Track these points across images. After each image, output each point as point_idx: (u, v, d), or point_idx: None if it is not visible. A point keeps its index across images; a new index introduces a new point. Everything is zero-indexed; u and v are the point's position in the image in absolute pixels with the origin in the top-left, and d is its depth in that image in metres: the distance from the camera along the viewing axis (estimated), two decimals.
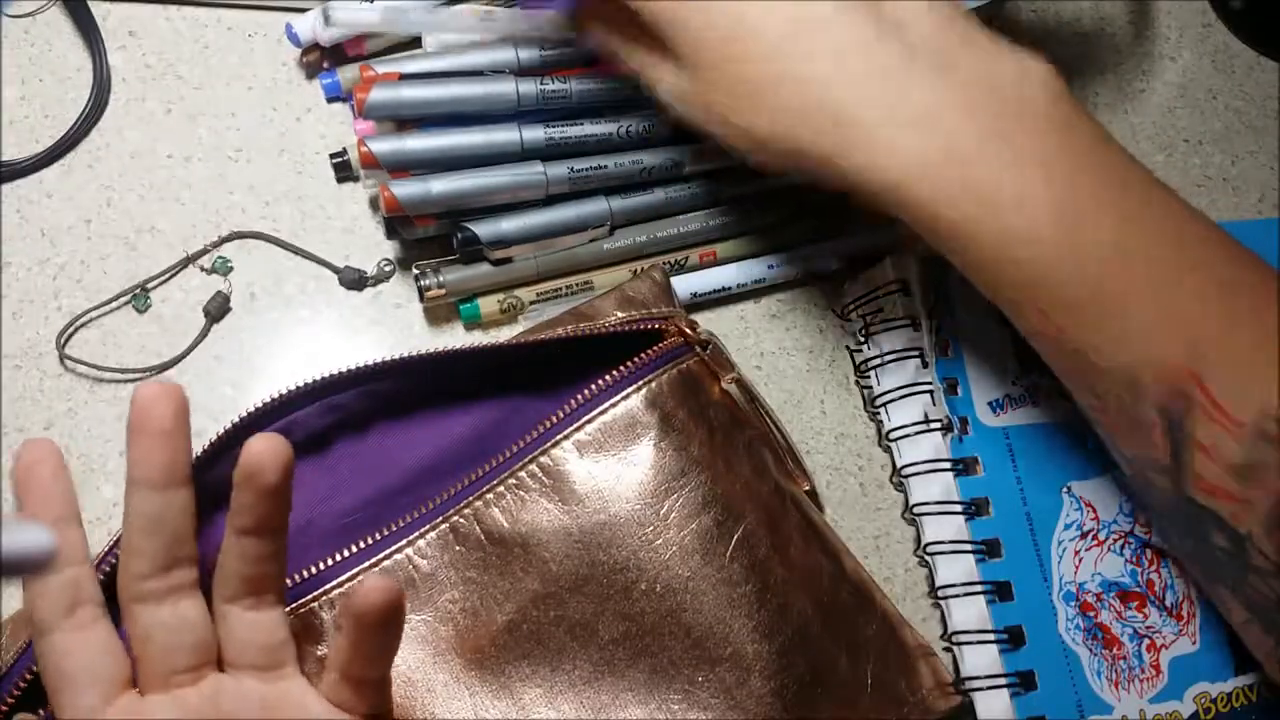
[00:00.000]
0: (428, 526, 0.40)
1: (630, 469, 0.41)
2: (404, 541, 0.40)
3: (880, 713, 0.43)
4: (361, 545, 0.40)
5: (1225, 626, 0.46)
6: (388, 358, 0.41)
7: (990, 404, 0.49)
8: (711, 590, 0.40)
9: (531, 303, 0.49)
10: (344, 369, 0.41)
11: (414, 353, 0.42)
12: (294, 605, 0.39)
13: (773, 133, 0.39)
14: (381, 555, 0.40)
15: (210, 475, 0.41)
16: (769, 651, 0.41)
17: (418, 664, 0.39)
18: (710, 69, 0.40)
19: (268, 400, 0.40)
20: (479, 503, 0.41)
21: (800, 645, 0.41)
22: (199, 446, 0.46)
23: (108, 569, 0.38)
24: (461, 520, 0.40)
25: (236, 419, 0.40)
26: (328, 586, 0.39)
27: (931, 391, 0.48)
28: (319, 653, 0.39)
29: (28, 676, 0.35)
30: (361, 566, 0.40)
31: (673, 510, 0.41)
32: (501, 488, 0.41)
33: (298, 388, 0.40)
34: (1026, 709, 0.45)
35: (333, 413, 0.44)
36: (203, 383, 0.48)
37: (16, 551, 0.24)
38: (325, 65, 0.53)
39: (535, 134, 0.48)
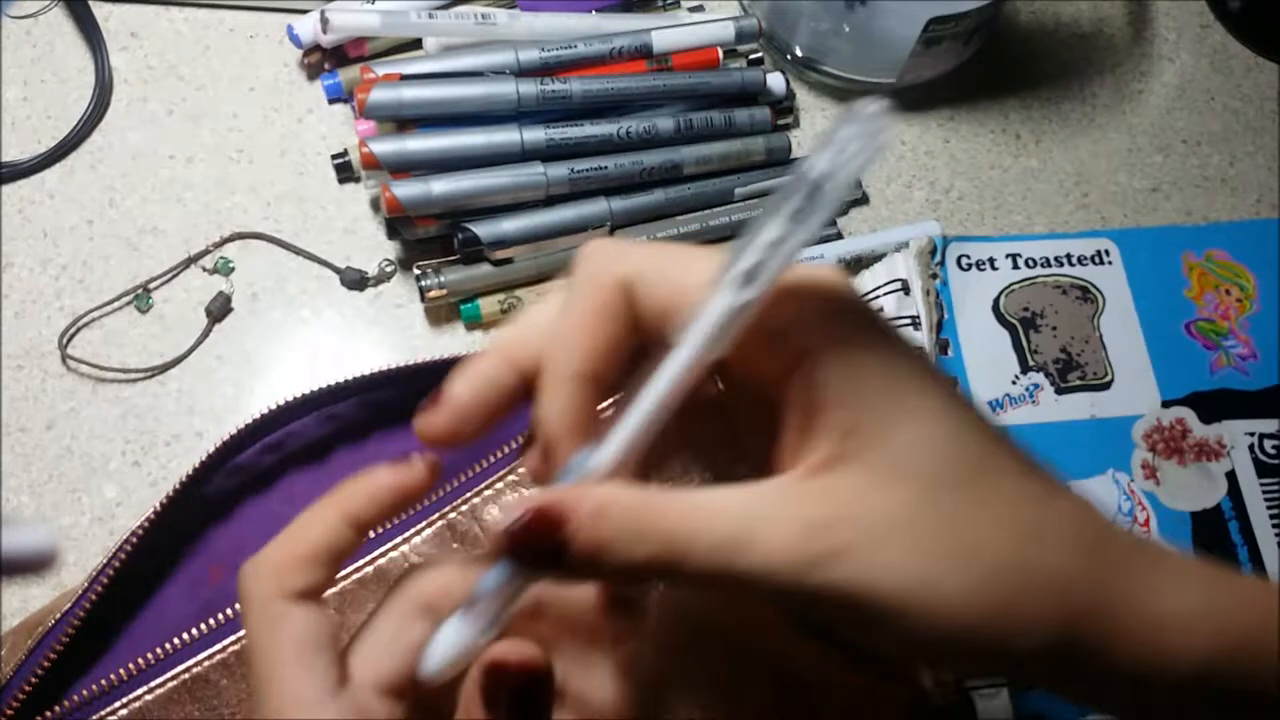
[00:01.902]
0: (424, 524, 0.40)
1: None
2: (399, 539, 0.40)
3: (879, 712, 0.43)
4: None
5: None
6: (385, 368, 0.41)
7: (990, 403, 0.49)
8: None
9: (531, 303, 0.49)
10: (342, 379, 0.41)
11: (411, 362, 0.42)
12: None
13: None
14: (377, 554, 0.40)
15: (206, 488, 0.41)
16: (769, 648, 0.40)
17: None
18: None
19: (266, 411, 0.40)
20: (476, 499, 0.41)
21: (799, 642, 0.41)
22: (199, 449, 0.46)
23: (112, 573, 0.38)
24: (459, 517, 0.40)
25: (235, 430, 0.40)
26: None
27: None
28: None
29: (25, 689, 0.35)
30: (356, 565, 0.40)
31: None
32: (500, 484, 0.41)
33: (296, 398, 0.41)
34: (1026, 708, 0.45)
35: (331, 422, 0.44)
36: (204, 383, 0.48)
37: (16, 551, 0.24)
38: (327, 66, 0.53)
39: (536, 135, 0.48)
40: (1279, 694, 0.25)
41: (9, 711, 0.36)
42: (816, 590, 0.22)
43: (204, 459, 0.40)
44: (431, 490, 0.41)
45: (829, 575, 0.22)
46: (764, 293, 0.22)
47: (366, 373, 0.41)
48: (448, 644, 0.25)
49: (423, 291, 0.48)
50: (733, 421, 0.29)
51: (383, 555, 0.40)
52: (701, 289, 0.23)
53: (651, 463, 0.29)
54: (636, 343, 0.25)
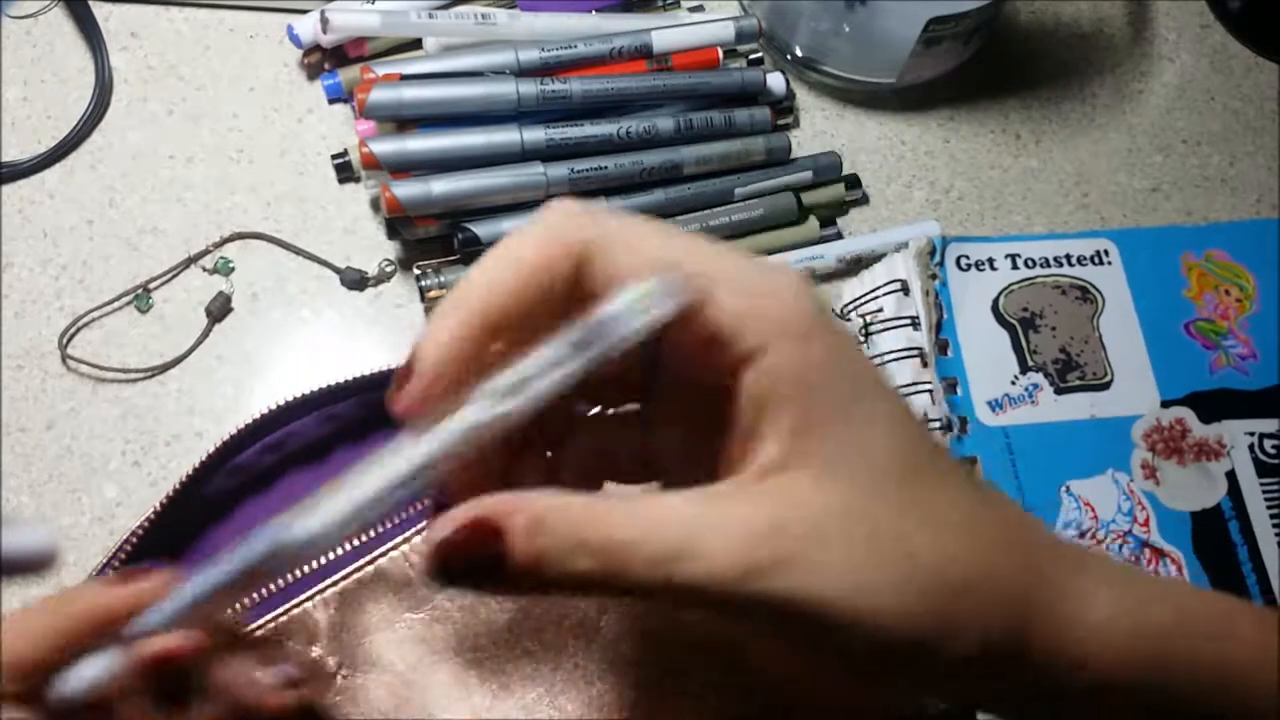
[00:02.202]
0: (424, 523, 0.40)
1: None
2: (400, 539, 0.40)
3: (878, 711, 0.43)
4: (356, 543, 0.40)
5: None
6: (385, 368, 0.41)
7: (990, 404, 0.49)
8: None
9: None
10: (342, 379, 0.41)
11: None
12: (287, 605, 0.39)
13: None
14: (377, 553, 0.40)
15: (206, 488, 0.41)
16: (767, 650, 0.40)
17: (415, 664, 0.39)
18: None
19: (266, 411, 0.40)
20: None
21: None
22: (199, 449, 0.46)
23: (111, 573, 0.38)
24: None
25: (234, 430, 0.40)
26: (321, 586, 0.39)
27: (931, 391, 0.48)
28: (313, 654, 0.39)
29: None
30: (356, 564, 0.40)
31: None
32: None
33: (296, 398, 0.41)
34: None
35: (331, 422, 0.44)
36: (204, 383, 0.48)
37: (17, 551, 0.24)
38: (327, 66, 0.53)
39: (536, 135, 0.48)
40: (1193, 698, 0.25)
41: None
42: (757, 600, 0.22)
43: (204, 459, 0.40)
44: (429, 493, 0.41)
45: (770, 584, 0.22)
46: (519, 411, 0.22)
47: (366, 373, 0.41)
48: (88, 674, 0.25)
49: (423, 291, 0.48)
50: (655, 430, 0.28)
51: (383, 555, 0.40)
52: (660, 265, 0.23)
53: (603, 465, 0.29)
54: (567, 306, 0.24)
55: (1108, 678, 0.25)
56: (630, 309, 0.22)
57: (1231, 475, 0.49)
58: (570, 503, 0.22)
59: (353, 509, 0.23)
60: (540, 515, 0.22)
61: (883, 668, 0.24)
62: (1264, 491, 0.49)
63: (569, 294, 0.24)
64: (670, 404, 0.28)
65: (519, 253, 0.24)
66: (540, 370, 0.22)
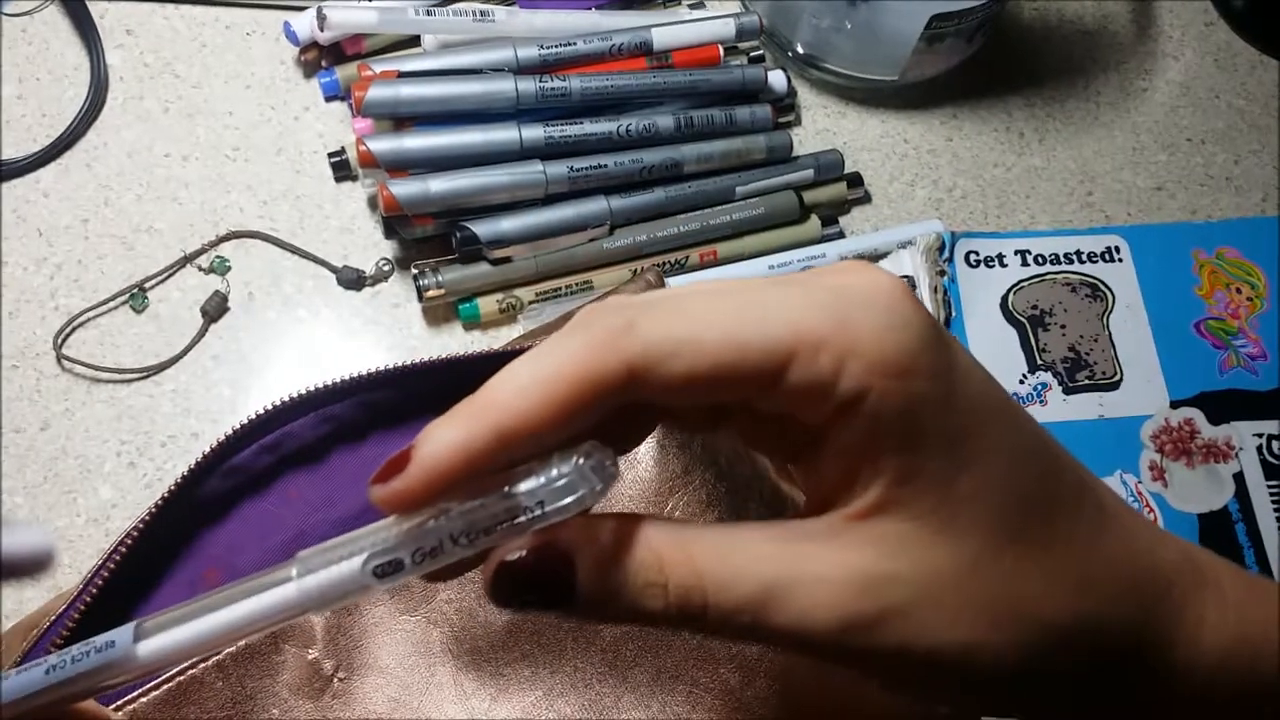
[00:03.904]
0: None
1: (633, 467, 0.41)
2: None
3: (884, 712, 0.42)
4: None
5: None
6: (383, 367, 0.41)
7: None
8: None
9: (531, 302, 0.49)
10: (339, 379, 0.40)
11: (409, 362, 0.41)
12: None
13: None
14: None
15: (201, 490, 0.41)
16: (773, 653, 0.40)
17: (413, 666, 0.39)
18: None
19: (262, 412, 0.40)
20: None
21: None
22: (195, 450, 0.46)
23: (106, 575, 0.37)
24: None
25: (229, 431, 0.40)
26: None
27: None
28: (309, 656, 0.38)
29: None
30: None
31: (677, 508, 0.41)
32: None
33: (292, 399, 0.40)
34: None
35: (328, 423, 0.43)
36: (200, 383, 0.47)
37: (13, 554, 0.24)
38: (323, 64, 0.53)
39: (534, 133, 0.47)
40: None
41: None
42: (858, 652, 0.21)
43: (199, 460, 0.39)
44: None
45: (874, 640, 0.21)
46: (398, 581, 0.21)
47: (364, 373, 0.41)
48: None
49: (420, 291, 0.47)
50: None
51: None
52: (733, 347, 0.20)
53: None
54: (620, 405, 0.21)
55: (1210, 697, 0.24)
56: (552, 490, 0.20)
57: (1239, 477, 0.49)
58: (651, 536, 0.21)
59: (203, 639, 0.21)
60: (613, 547, 0.20)
61: (976, 702, 0.24)
62: (1271, 494, 0.49)
63: (618, 404, 0.21)
64: (752, 433, 0.25)
65: (555, 363, 0.20)
66: (448, 545, 0.20)
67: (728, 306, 0.20)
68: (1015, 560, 0.21)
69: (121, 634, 0.22)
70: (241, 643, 0.38)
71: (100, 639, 0.22)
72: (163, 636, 0.22)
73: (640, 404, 0.21)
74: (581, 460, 0.20)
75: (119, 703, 0.36)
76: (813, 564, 0.21)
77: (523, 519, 0.20)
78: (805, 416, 0.21)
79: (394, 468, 0.21)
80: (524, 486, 0.20)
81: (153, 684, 0.36)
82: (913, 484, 0.21)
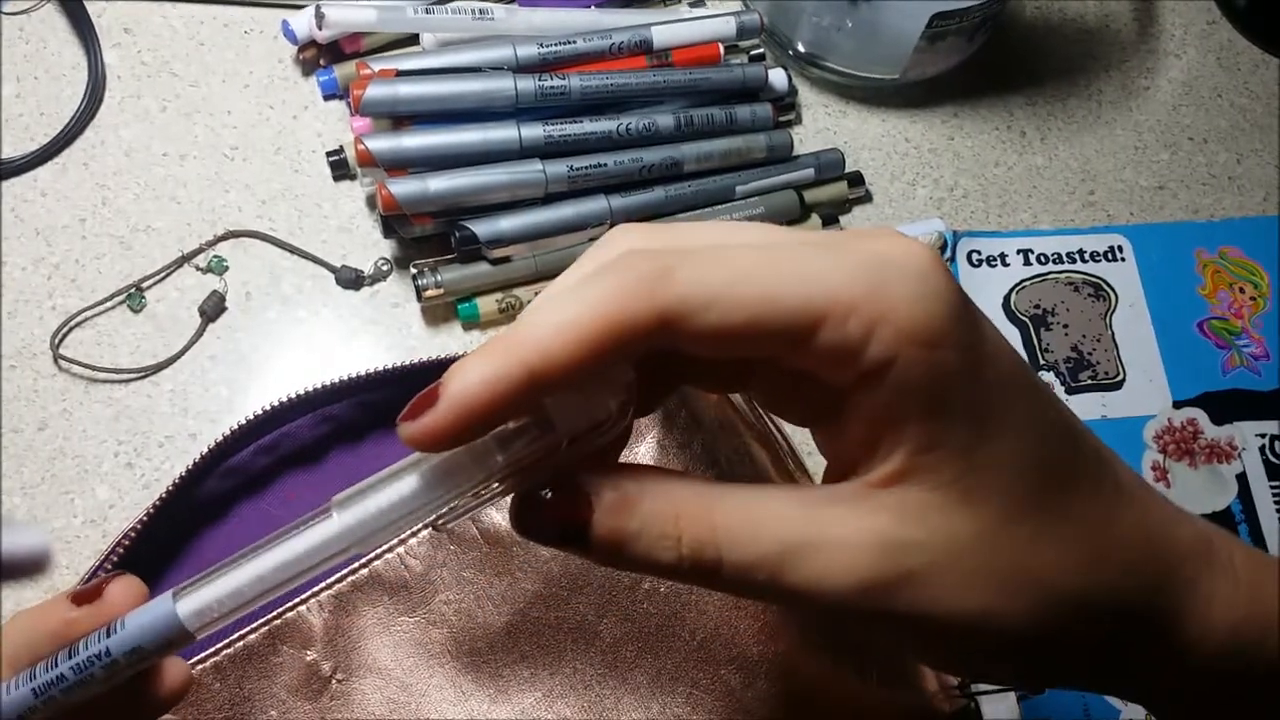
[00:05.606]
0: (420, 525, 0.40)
1: None
2: (395, 540, 0.39)
3: (885, 716, 0.42)
4: None
5: None
6: (381, 368, 0.41)
7: None
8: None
9: (530, 302, 0.48)
10: (338, 380, 0.40)
11: (407, 362, 0.41)
12: (282, 608, 0.38)
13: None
14: (373, 556, 0.39)
15: (199, 491, 0.41)
16: (774, 654, 0.40)
17: (411, 668, 0.39)
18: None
19: (260, 412, 0.40)
20: None
21: (805, 648, 0.41)
22: (193, 451, 0.46)
23: (109, 567, 0.37)
24: None
25: (227, 431, 0.39)
26: (316, 589, 0.39)
27: None
28: (308, 658, 0.38)
29: None
30: (350, 568, 0.39)
31: None
32: (496, 484, 0.40)
33: (290, 399, 0.40)
34: (1032, 712, 0.45)
35: (327, 423, 0.43)
36: (198, 383, 0.47)
37: (11, 554, 0.23)
38: (322, 62, 0.52)
39: (534, 132, 0.47)
40: None
41: None
42: (878, 616, 0.21)
43: (197, 460, 0.39)
44: None
45: (892, 604, 0.21)
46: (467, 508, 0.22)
47: (362, 373, 0.41)
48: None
49: (419, 290, 0.47)
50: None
51: (378, 558, 0.40)
52: (767, 304, 0.20)
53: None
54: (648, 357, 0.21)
55: (1221, 668, 0.25)
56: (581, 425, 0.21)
57: (1242, 478, 0.49)
58: (672, 490, 0.21)
59: (245, 589, 0.21)
60: (632, 496, 0.21)
61: (990, 667, 0.24)
62: (1274, 494, 0.49)
63: (649, 348, 0.21)
64: (774, 394, 0.25)
65: (590, 305, 0.20)
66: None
67: (765, 262, 0.20)
68: (1033, 531, 0.22)
69: (158, 601, 0.22)
70: (240, 644, 0.38)
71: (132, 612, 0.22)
72: (203, 591, 0.22)
73: (666, 357, 0.21)
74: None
75: None
76: (833, 527, 0.21)
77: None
78: (831, 378, 0.21)
79: (423, 404, 0.21)
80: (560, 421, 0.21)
81: None
82: (935, 453, 0.21)
